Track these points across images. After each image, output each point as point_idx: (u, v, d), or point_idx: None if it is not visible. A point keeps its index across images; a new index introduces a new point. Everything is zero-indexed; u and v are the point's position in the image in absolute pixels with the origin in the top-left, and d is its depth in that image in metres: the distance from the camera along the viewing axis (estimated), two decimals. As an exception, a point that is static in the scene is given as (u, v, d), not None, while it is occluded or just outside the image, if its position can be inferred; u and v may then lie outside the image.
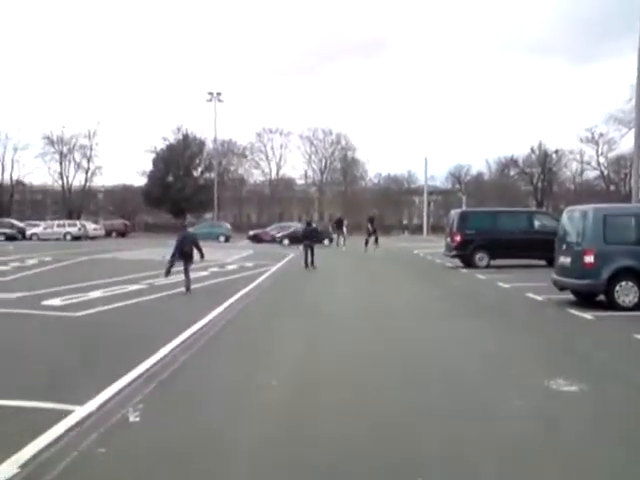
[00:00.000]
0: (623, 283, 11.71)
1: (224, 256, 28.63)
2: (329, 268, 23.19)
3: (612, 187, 77.94)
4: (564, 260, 12.76)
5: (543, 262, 23.06)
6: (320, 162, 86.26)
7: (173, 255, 15.47)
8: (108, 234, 56.99)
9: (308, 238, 23.65)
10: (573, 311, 11.72)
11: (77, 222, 54.49)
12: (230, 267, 22.96)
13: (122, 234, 59.06)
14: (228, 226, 53.27)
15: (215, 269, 21.78)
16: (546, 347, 8.78)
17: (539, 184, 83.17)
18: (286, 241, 41.59)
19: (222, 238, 48.38)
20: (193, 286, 15.53)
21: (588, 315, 11.18)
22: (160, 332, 9.39)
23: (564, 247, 12.90)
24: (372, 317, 11.52)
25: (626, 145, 60.26)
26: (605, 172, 78.73)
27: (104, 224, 59.37)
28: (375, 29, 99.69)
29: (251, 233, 48.78)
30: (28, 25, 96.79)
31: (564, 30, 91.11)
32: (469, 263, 22.81)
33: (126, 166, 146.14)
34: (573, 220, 13.11)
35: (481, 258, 22.75)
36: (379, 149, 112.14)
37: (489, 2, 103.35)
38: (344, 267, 24.15)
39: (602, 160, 76.85)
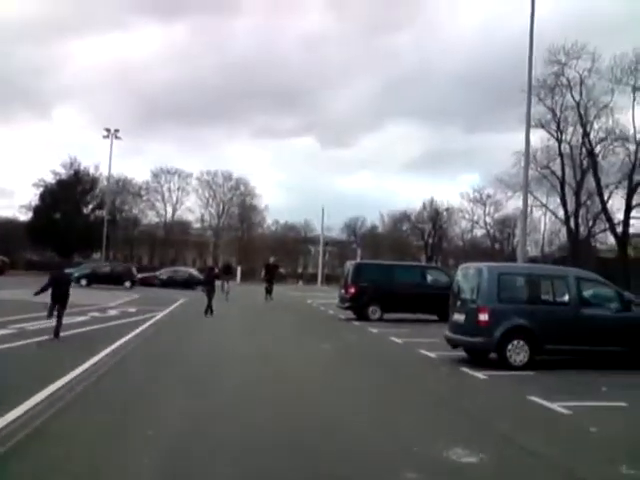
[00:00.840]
0: (515, 342, 11.61)
1: (107, 300, 26.92)
2: (216, 318, 22.21)
3: (497, 245, 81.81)
4: (458, 317, 12.59)
5: (435, 317, 23.24)
6: (218, 206, 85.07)
7: (37, 293, 14.13)
8: (-18, 271, 52.86)
9: (210, 283, 23.05)
10: (466, 369, 11.45)
11: (-55, 258, 50.19)
12: (112, 312, 21.45)
13: (0, 272, 54.90)
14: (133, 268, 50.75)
15: (95, 314, 20.28)
16: (440, 410, 8.33)
17: (430, 239, 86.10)
18: (127, 283, 41.26)
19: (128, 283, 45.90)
20: (68, 332, 14.21)
21: (481, 374, 10.93)
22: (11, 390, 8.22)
23: (458, 304, 12.75)
24: (255, 373, 10.74)
25: (510, 206, 63.54)
26: (491, 231, 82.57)
27: (-23, 260, 55.13)
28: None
29: (139, 276, 46.63)
30: None
31: (461, 100, 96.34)
32: (362, 315, 22.51)
33: (7, 198, 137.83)
34: (467, 277, 13.03)
35: (374, 311, 22.53)
36: (278, 197, 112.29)
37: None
38: (232, 317, 23.17)
39: (489, 220, 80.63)
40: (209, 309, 21.62)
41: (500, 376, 10.95)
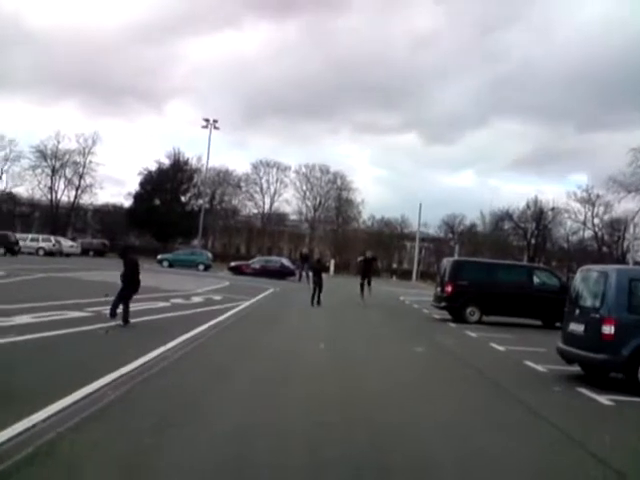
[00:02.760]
0: (648, 362, 9.64)
1: (195, 286, 26.44)
2: (302, 312, 21.11)
3: (605, 248, 76.88)
4: (576, 327, 10.68)
5: (539, 322, 21.14)
6: (314, 199, 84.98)
7: (124, 289, 13.30)
8: (85, 252, 54.66)
9: (317, 274, 23.57)
10: (584, 391, 9.58)
11: (51, 237, 52.12)
12: (196, 299, 20.76)
13: (100, 254, 56.63)
14: (209, 255, 51.09)
15: (178, 300, 19.62)
16: (560, 447, 6.61)
17: (532, 240, 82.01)
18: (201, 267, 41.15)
19: (201, 267, 46.19)
20: (144, 318, 13.48)
21: (604, 399, 9.05)
22: (56, 383, 7.28)
23: (577, 312, 10.82)
24: (338, 381, 9.37)
25: (621, 208, 59.29)
26: (599, 233, 77.64)
27: (82, 242, 57.15)
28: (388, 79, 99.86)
29: (232, 264, 46.53)
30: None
31: (574, 97, 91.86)
32: (459, 317, 20.71)
33: (119, 187, 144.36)
34: (589, 281, 11.08)
35: (472, 312, 20.66)
36: (376, 192, 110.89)
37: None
38: (318, 313, 21.93)
39: (597, 221, 75.84)
40: (317, 299, 22.34)
41: (629, 403, 9.03)
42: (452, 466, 5.58)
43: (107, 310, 14.12)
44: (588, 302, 10.79)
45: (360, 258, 31.31)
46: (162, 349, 10.12)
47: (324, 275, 25.28)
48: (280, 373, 9.37)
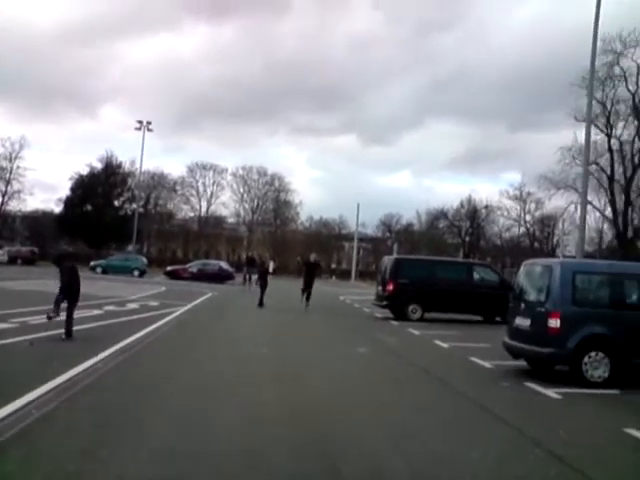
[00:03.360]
0: (592, 354, 9.60)
1: (130, 292, 25.46)
2: (242, 314, 20.61)
3: (537, 244, 79.20)
4: (521, 322, 10.59)
5: (480, 318, 21.27)
6: (252, 202, 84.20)
7: (60, 295, 12.39)
8: (13, 261, 52.24)
9: (263, 278, 23.83)
10: (532, 385, 9.47)
11: (-25, 247, 49.66)
12: (131, 306, 19.91)
13: (29, 262, 54.24)
14: (144, 260, 49.64)
15: (112, 307, 18.77)
16: (514, 444, 6.39)
17: (467, 237, 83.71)
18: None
19: (136, 272, 44.79)
20: (75, 327, 12.67)
21: (552, 392, 8.94)
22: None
23: (522, 307, 10.74)
24: (282, 389, 8.95)
25: (552, 205, 61.24)
26: (531, 230, 79.89)
27: (9, 250, 54.63)
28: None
29: (168, 269, 45.34)
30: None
31: (507, 98, 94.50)
32: (401, 315, 20.60)
33: (51, 193, 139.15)
34: (534, 275, 11.03)
35: (414, 310, 20.60)
36: (315, 194, 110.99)
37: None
38: (259, 314, 21.45)
39: (528, 218, 78.01)
40: (260, 300, 22.53)
41: (577, 395, 8.99)
42: (407, 473, 5.26)
43: (34, 320, 13.32)
44: (533, 296, 10.74)
45: (299, 259, 30.51)
46: (93, 360, 9.46)
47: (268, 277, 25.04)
48: (219, 383, 8.83)
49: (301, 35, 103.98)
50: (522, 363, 11.12)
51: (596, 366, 9.58)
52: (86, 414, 6.57)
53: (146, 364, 10.01)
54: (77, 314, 15.39)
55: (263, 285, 23.24)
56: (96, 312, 16.84)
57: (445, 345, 14.23)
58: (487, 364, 11.56)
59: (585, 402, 8.68)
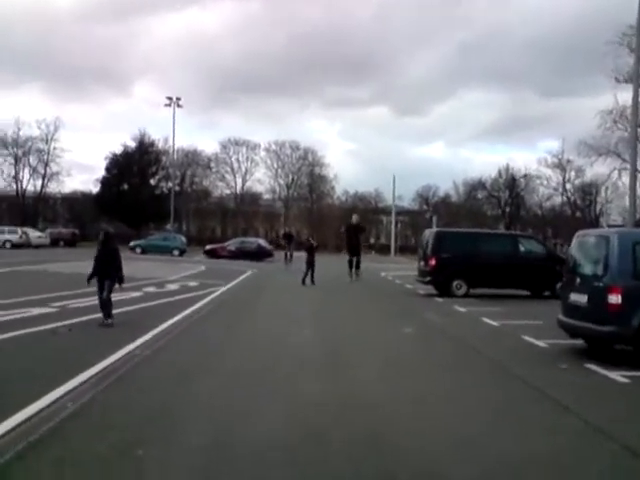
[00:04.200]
0: (659, 332, 8.95)
1: (169, 273, 25.44)
2: (281, 292, 20.30)
3: (578, 213, 77.25)
4: (578, 298, 9.94)
5: (527, 292, 20.55)
6: (286, 177, 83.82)
7: (91, 277, 12.03)
8: (55, 243, 53.05)
9: (310, 254, 22.77)
10: (594, 367, 8.86)
11: (18, 229, 50.40)
12: (170, 287, 19.78)
13: (71, 243, 55.04)
14: (183, 239, 49.84)
15: (151, 289, 18.64)
16: (588, 440, 5.84)
17: (507, 208, 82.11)
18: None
19: (176, 252, 45.00)
20: (114, 311, 12.48)
21: (617, 376, 8.32)
22: (7, 395, 6.32)
23: (577, 282, 10.09)
24: (329, 378, 8.54)
25: (593, 172, 59.29)
26: (572, 198, 77.87)
27: (51, 232, 55.42)
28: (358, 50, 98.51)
29: (207, 247, 45.38)
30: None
31: (540, 62, 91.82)
32: (445, 291, 19.98)
33: (89, 173, 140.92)
34: (588, 248, 10.35)
35: (459, 286, 19.96)
36: (349, 167, 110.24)
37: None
38: (300, 292, 21.11)
39: (568, 187, 75.96)
40: (311, 278, 22.16)
41: (645, 378, 8.36)
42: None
43: (74, 304, 13.20)
44: (589, 270, 10.08)
45: (343, 229, 28.18)
46: (131, 346, 9.20)
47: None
48: (263, 367, 8.46)
49: (328, 4, 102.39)
50: (579, 342, 10.50)
51: (663, 345, 8.92)
52: (118, 410, 6.25)
53: (184, 351, 9.68)
54: (115, 297, 15.37)
55: (311, 262, 22.47)
56: (135, 294, 16.72)
57: (495, 323, 13.64)
58: (541, 343, 10.97)
59: (656, 386, 8.06)
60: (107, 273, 11.82)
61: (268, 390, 7.20)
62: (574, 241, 10.91)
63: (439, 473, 4.80)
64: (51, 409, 5.95)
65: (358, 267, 23.14)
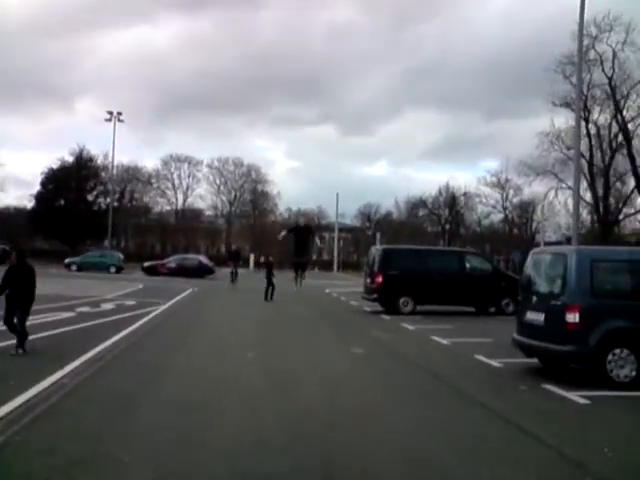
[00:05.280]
0: (617, 351, 8.68)
1: (105, 291, 24.25)
2: (224, 312, 19.53)
3: (515, 230, 79.12)
4: (534, 317, 9.64)
5: (473, 309, 20.41)
6: (229, 193, 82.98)
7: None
8: (-18, 261, 50.45)
9: (269, 271, 22.96)
10: (552, 388, 8.54)
11: None
12: (105, 306, 18.72)
13: (0, 261, 52.43)
14: (120, 256, 48.19)
15: (85, 309, 17.57)
16: (565, 473, 5.41)
17: (447, 225, 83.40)
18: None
19: (112, 269, 43.40)
20: (41, 334, 11.54)
21: (576, 396, 8.01)
22: None
23: (534, 300, 9.81)
24: (275, 406, 7.91)
25: (530, 191, 61.24)
26: (510, 216, 79.66)
27: (-22, 249, 52.72)
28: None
29: (146, 264, 43.96)
30: None
31: (484, 86, 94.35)
32: (391, 308, 19.64)
33: (26, 189, 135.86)
34: (544, 265, 10.12)
35: (405, 303, 19.65)
36: (293, 185, 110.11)
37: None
38: (243, 311, 20.39)
39: (507, 205, 77.68)
40: (271, 295, 22.62)
41: (605, 399, 8.05)
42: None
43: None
44: (546, 288, 9.83)
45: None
46: (59, 374, 8.33)
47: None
48: (201, 398, 7.69)
49: (279, 25, 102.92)
50: (532, 361, 10.21)
51: (622, 364, 8.65)
52: (45, 448, 5.45)
53: (117, 380, 8.84)
54: (45, 318, 14.39)
55: (270, 279, 22.83)
56: (67, 315, 15.69)
57: (444, 341, 13.29)
58: (495, 363, 10.64)
59: (616, 407, 7.74)
60: (19, 298, 10.13)
61: (215, 421, 6.52)
62: (529, 258, 10.66)
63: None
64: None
65: (304, 270, 22.28)
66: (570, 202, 47.40)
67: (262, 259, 29.49)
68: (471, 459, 5.57)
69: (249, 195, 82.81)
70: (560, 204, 54.23)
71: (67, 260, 45.53)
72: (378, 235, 56.59)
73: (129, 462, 5.15)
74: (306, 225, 22.35)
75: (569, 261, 9.19)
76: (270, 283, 23.00)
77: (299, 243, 22.28)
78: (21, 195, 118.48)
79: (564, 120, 44.11)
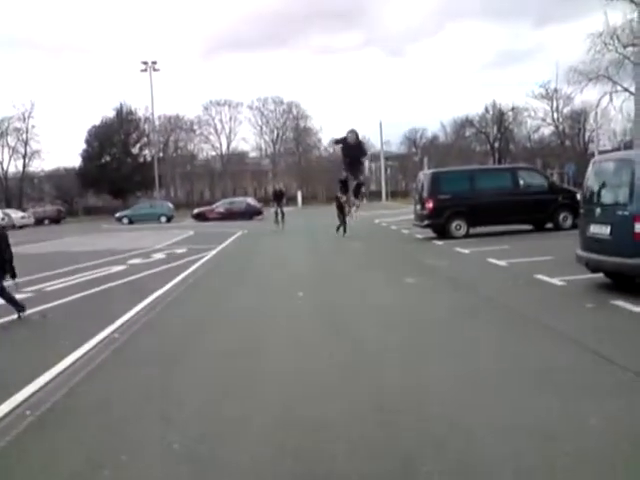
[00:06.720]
0: (692, 260, 8.03)
1: (156, 241, 24.42)
2: (278, 246, 19.34)
3: (567, 142, 76.20)
4: (598, 230, 9.00)
5: (529, 227, 19.68)
6: (272, 133, 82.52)
7: None
8: (39, 222, 51.74)
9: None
10: (621, 304, 7.94)
11: (-1, 211, 49.08)
12: (156, 256, 18.72)
13: (56, 221, 53.76)
14: (170, 205, 48.69)
15: (136, 261, 17.60)
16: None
17: (496, 143, 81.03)
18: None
19: (163, 219, 43.91)
20: (90, 291, 11.59)
21: (650, 312, 7.46)
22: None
23: (597, 212, 9.13)
24: (329, 339, 7.62)
25: (581, 100, 58.02)
26: (560, 127, 76.59)
27: (34, 211, 54.09)
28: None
29: (195, 211, 44.30)
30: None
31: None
32: (444, 233, 19.13)
33: (67, 148, 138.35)
34: (607, 174, 9.35)
35: (458, 227, 19.09)
36: (332, 116, 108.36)
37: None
38: (294, 245, 20.16)
39: (557, 116, 74.54)
40: (344, 228, 22.40)
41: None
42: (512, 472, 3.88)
43: (51, 287, 12.28)
44: (610, 198, 9.09)
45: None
46: (109, 329, 8.22)
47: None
48: (256, 336, 7.53)
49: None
50: (597, 276, 9.62)
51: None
52: (97, 406, 5.31)
53: (170, 325, 8.71)
54: (96, 273, 14.47)
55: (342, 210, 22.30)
56: (117, 268, 15.70)
57: (502, 263, 12.73)
58: (557, 281, 10.06)
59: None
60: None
61: (269, 362, 6.29)
62: (590, 168, 9.89)
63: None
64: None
65: (357, 195, 19.53)
66: (627, 106, 45.10)
67: (281, 192, 30.44)
68: (540, 385, 5.14)
69: (292, 133, 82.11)
70: (615, 109, 51.12)
71: (118, 214, 46.24)
72: (425, 160, 55.33)
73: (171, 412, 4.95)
74: (356, 142, 19.07)
75: (636, 167, 8.43)
76: (343, 214, 22.30)
77: (350, 162, 19.35)
78: (69, 154, 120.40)
79: (621, 15, 40.69)
